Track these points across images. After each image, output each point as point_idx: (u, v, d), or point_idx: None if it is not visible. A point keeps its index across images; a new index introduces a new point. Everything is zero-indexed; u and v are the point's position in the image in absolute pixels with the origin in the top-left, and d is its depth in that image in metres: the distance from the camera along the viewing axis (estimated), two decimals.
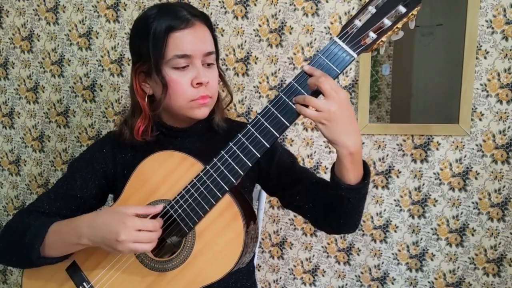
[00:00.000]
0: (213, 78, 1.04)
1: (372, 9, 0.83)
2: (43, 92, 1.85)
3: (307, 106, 0.85)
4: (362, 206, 0.97)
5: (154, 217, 0.97)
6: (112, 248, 0.91)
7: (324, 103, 0.82)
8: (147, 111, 1.05)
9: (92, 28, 1.76)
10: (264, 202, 1.39)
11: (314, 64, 0.86)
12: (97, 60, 1.78)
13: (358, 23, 0.84)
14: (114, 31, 1.74)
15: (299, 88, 0.86)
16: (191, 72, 1.01)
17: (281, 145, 1.21)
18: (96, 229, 0.92)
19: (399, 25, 0.83)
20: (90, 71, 1.79)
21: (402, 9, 0.82)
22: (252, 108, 1.69)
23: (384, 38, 0.85)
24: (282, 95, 0.87)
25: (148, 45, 0.99)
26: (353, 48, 0.85)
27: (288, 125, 0.88)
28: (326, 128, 0.83)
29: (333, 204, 0.97)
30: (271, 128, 0.88)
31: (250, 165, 0.90)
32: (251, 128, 0.89)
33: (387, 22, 0.83)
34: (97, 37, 1.76)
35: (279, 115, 0.88)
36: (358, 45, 0.85)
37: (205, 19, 1.04)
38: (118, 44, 1.75)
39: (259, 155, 0.89)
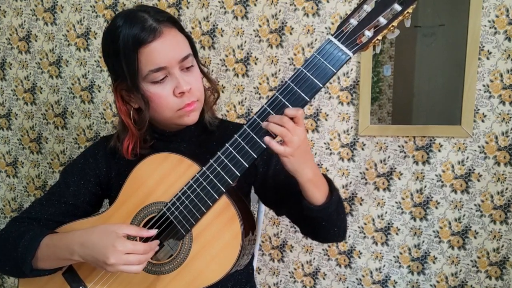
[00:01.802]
0: (195, 82, 1.01)
1: (367, 8, 0.84)
2: (40, 93, 1.84)
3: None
4: (339, 218, 1.01)
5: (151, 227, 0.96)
6: (102, 269, 0.91)
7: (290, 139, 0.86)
8: (132, 129, 1.03)
9: (90, 28, 1.75)
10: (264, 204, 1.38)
11: (310, 64, 0.85)
12: (95, 61, 1.77)
13: (353, 21, 0.84)
14: None
15: (299, 91, 0.86)
16: (170, 82, 0.98)
17: None
18: (87, 249, 0.91)
19: (395, 23, 0.84)
20: (88, 72, 1.78)
21: (397, 7, 0.82)
22: (252, 109, 1.68)
23: (379, 37, 0.85)
24: (278, 95, 0.87)
25: (121, 64, 0.96)
26: (348, 47, 0.85)
27: None
28: (290, 162, 0.87)
29: (311, 223, 1.00)
30: None
31: (247, 165, 0.89)
32: (247, 129, 0.88)
33: (382, 20, 0.83)
34: (95, 38, 1.75)
35: None
36: (354, 44, 0.85)
37: (173, 22, 0.99)
38: None
39: (255, 156, 0.88)
